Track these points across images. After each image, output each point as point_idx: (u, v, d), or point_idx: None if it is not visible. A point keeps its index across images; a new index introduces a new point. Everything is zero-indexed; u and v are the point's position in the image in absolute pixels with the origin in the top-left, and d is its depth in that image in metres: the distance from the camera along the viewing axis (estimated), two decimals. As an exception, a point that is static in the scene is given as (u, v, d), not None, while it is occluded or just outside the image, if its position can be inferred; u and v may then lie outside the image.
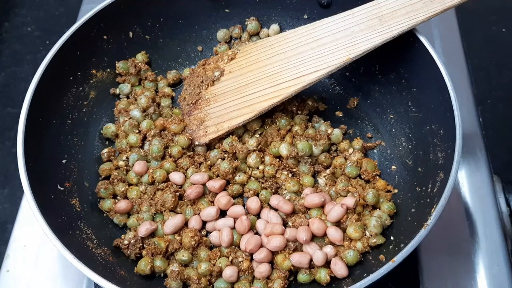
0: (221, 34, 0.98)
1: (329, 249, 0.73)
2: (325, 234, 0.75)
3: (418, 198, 0.75)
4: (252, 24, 0.97)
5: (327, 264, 0.72)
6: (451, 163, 0.68)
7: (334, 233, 0.74)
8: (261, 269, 0.73)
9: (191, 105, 0.87)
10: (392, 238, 0.74)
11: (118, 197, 0.83)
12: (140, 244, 0.76)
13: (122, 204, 0.80)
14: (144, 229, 0.76)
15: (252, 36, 0.98)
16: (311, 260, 0.72)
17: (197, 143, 0.86)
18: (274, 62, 0.83)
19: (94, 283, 0.66)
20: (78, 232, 0.74)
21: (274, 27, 0.97)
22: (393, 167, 0.84)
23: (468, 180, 0.87)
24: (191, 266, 0.76)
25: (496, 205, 0.84)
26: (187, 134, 0.85)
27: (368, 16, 0.77)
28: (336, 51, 0.78)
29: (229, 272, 0.72)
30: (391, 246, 0.72)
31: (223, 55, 0.90)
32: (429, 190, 0.73)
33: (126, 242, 0.76)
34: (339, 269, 0.71)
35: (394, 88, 0.86)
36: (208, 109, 0.86)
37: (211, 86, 0.88)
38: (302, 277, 0.72)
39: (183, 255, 0.75)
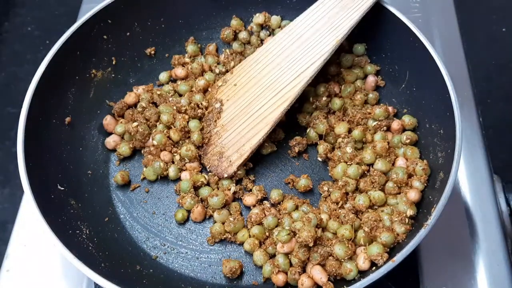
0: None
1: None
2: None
3: (418, 198, 0.75)
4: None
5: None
6: (451, 163, 0.68)
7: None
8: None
9: (204, 145, 0.85)
10: (392, 238, 0.74)
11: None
12: None
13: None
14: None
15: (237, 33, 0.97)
16: None
17: (225, 175, 0.82)
18: (267, 73, 0.83)
19: (94, 282, 0.66)
20: (78, 232, 0.74)
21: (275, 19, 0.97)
22: (393, 167, 0.84)
23: (468, 180, 0.87)
24: None
25: (496, 205, 0.84)
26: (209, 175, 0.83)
27: None
28: (323, 39, 0.80)
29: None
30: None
31: (214, 87, 0.90)
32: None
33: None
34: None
35: (394, 87, 0.86)
36: (222, 140, 0.84)
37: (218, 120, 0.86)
38: None
39: None
